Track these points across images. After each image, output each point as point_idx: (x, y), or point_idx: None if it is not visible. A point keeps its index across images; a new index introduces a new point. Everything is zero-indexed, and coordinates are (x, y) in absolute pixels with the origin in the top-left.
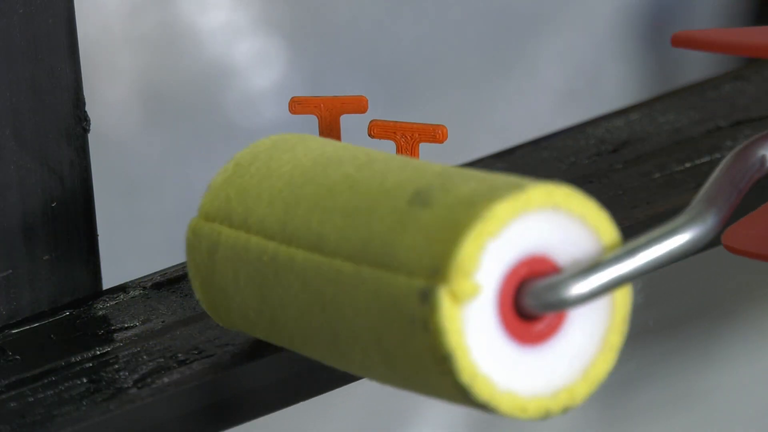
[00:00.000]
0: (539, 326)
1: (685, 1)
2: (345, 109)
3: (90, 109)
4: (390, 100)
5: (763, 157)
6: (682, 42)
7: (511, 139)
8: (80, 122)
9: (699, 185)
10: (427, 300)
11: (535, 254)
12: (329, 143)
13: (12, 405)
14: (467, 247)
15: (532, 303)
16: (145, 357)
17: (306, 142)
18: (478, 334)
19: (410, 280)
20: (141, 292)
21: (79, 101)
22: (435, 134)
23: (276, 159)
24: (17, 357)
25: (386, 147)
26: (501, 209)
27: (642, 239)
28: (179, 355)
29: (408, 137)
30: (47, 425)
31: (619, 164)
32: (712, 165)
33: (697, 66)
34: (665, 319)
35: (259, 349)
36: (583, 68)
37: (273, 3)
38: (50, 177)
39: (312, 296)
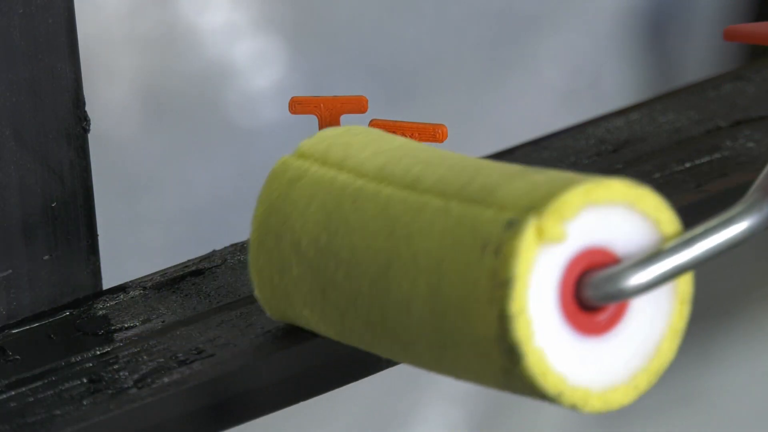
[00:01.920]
0: (601, 317)
1: (685, 1)
2: (345, 109)
3: (90, 109)
4: (390, 100)
5: None
6: (732, 36)
7: (511, 139)
8: (80, 122)
9: (699, 185)
10: (512, 227)
11: (596, 246)
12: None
13: (12, 405)
14: (573, 196)
15: (593, 294)
16: (145, 357)
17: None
18: (541, 300)
19: (500, 213)
20: (141, 292)
21: (79, 101)
22: (435, 134)
23: (386, 136)
24: (17, 357)
25: None
26: (606, 186)
27: (700, 228)
28: (179, 355)
29: (408, 137)
30: (47, 425)
31: (619, 164)
32: (712, 165)
33: (697, 66)
34: None
35: (259, 349)
36: (583, 68)
37: (273, 3)
38: (50, 177)
39: (384, 222)
